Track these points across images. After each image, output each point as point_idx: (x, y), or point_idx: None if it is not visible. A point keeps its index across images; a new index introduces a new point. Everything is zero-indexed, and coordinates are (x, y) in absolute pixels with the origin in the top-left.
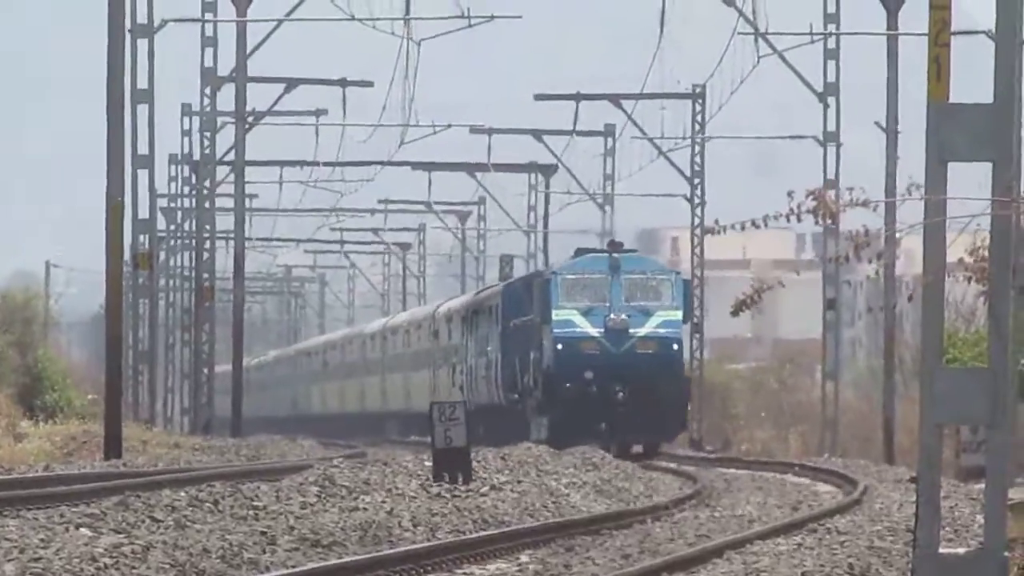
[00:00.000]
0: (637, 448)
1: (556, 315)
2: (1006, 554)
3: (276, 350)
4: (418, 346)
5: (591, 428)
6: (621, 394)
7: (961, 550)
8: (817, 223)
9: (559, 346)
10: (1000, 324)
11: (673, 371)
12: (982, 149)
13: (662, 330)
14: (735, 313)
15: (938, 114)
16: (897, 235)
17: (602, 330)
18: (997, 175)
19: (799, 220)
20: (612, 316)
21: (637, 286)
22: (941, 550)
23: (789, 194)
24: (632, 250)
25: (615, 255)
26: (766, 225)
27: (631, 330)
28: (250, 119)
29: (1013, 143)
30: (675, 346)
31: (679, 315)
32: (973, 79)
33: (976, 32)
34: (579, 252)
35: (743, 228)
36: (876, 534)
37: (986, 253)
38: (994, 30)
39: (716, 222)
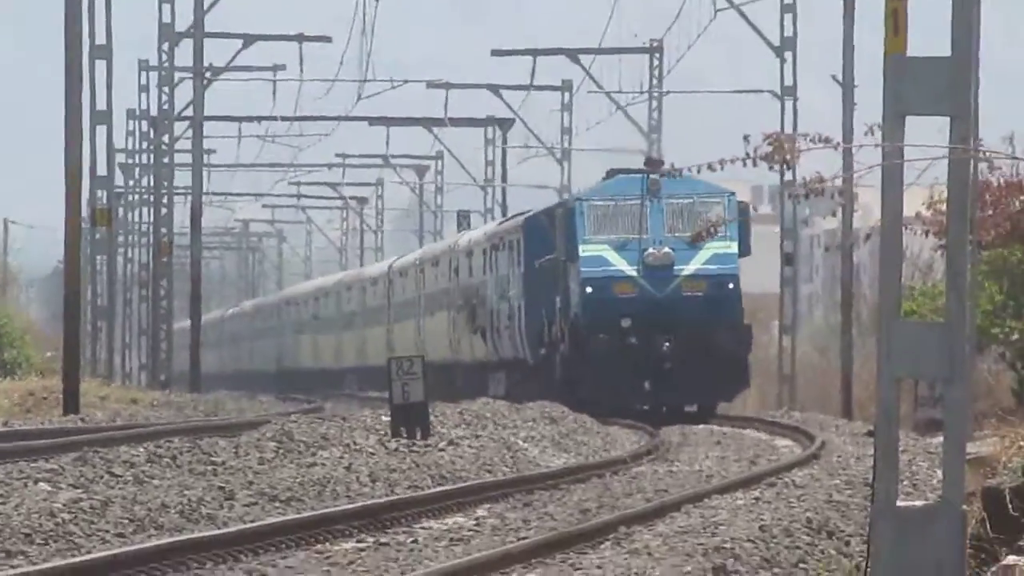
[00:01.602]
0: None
1: (583, 251)
2: (964, 507)
3: (254, 299)
4: (434, 287)
5: (631, 388)
6: (666, 346)
7: (919, 503)
8: (771, 168)
9: (588, 289)
10: (957, 277)
11: (729, 316)
12: (940, 103)
13: (714, 266)
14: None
15: (895, 68)
16: (855, 176)
17: (640, 268)
18: (955, 129)
19: (755, 164)
20: (652, 250)
21: (682, 213)
22: (899, 503)
23: (745, 138)
24: (679, 170)
25: (653, 175)
26: (722, 167)
27: (676, 267)
28: (208, 75)
29: (971, 96)
30: (731, 285)
31: (734, 247)
32: (929, 32)
33: None
34: (611, 174)
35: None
36: (834, 488)
37: (943, 207)
38: None
39: (672, 165)
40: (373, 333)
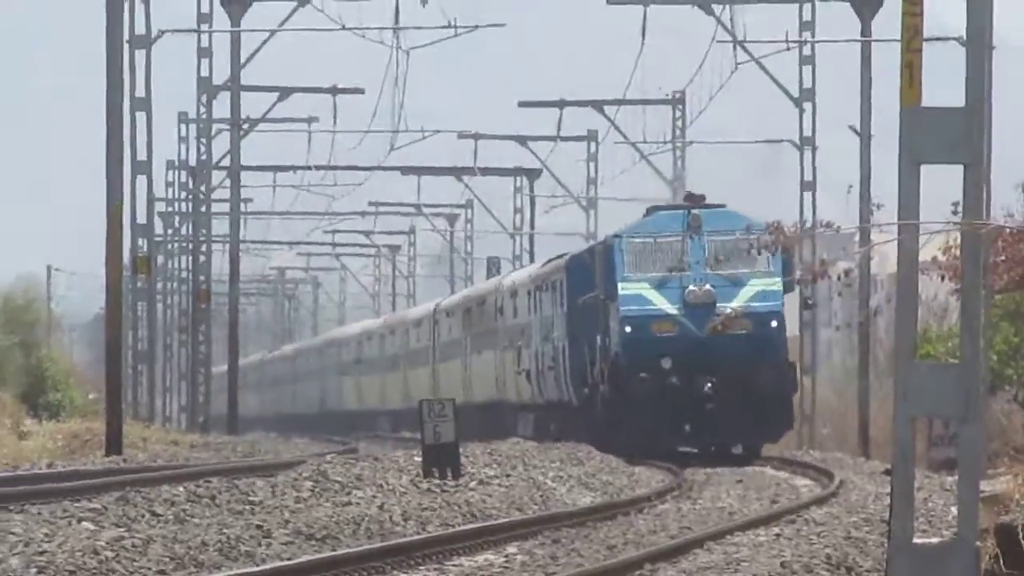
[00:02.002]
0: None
1: (623, 289)
2: (978, 544)
3: (296, 343)
4: (480, 327)
5: (672, 430)
6: (708, 386)
7: (935, 540)
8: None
9: (627, 328)
10: (971, 320)
11: (773, 355)
12: (954, 152)
13: (757, 303)
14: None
15: (911, 118)
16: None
17: (681, 306)
18: (969, 177)
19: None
20: (693, 288)
21: (724, 249)
22: (915, 540)
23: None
24: (718, 205)
25: (695, 211)
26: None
27: (718, 305)
28: (245, 126)
29: (984, 146)
30: (774, 323)
31: (778, 284)
32: (943, 83)
33: (947, 38)
34: (651, 211)
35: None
36: (852, 525)
37: (958, 252)
38: (965, 36)
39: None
40: (417, 374)
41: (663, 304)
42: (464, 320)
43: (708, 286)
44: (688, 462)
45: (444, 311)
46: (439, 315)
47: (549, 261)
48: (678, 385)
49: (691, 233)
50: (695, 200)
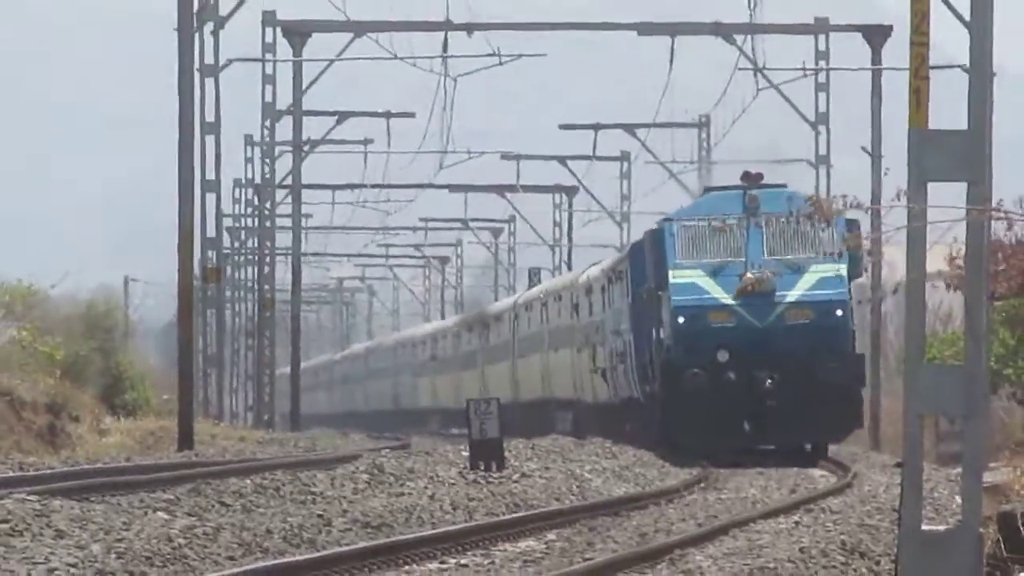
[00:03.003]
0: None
1: (674, 277)
2: (981, 530)
3: (367, 342)
4: (558, 322)
5: (730, 429)
6: (769, 381)
7: (941, 527)
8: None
9: (680, 319)
10: (975, 326)
11: (839, 346)
12: (958, 170)
13: (821, 291)
14: (736, 296)
15: (919, 139)
16: (884, 236)
17: (737, 295)
18: (972, 194)
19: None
20: (750, 275)
21: (783, 232)
22: (924, 527)
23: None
24: (778, 185)
25: (752, 191)
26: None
27: (778, 293)
28: (305, 148)
29: (986, 165)
30: (839, 312)
31: (843, 269)
32: (947, 107)
33: (952, 66)
34: (707, 192)
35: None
36: (865, 513)
37: (962, 262)
38: (968, 65)
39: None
40: (496, 370)
41: (718, 293)
42: (543, 316)
43: (767, 273)
44: (770, 462)
45: (523, 306)
46: (519, 310)
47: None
48: (735, 380)
49: (748, 215)
50: (752, 179)
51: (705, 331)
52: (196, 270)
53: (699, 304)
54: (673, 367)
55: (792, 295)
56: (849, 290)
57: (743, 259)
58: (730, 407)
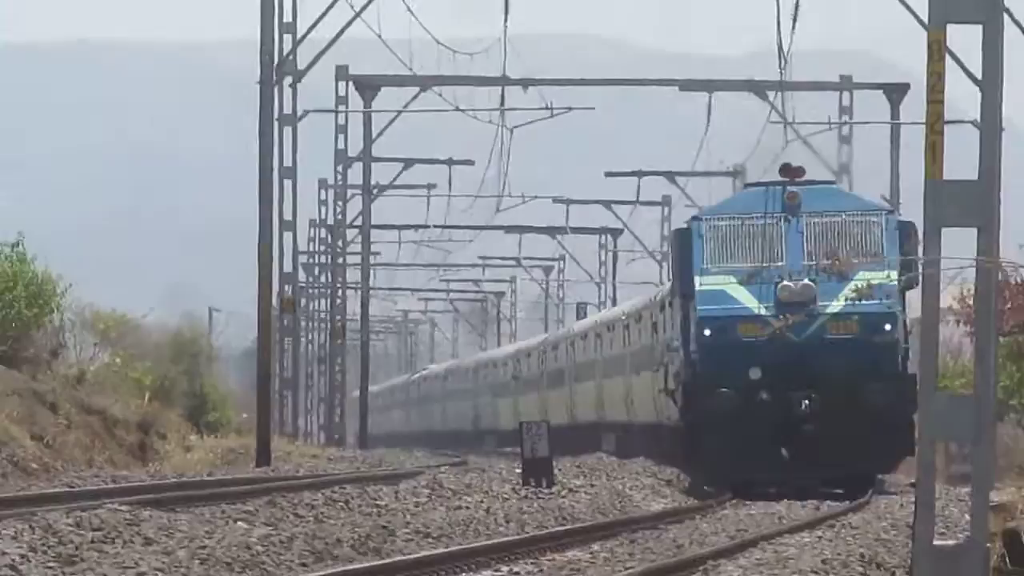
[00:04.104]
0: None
1: (701, 284)
2: (988, 545)
3: (446, 362)
4: (638, 343)
5: (763, 457)
6: (806, 403)
7: (951, 542)
8: (829, 280)
9: (706, 331)
10: (983, 359)
11: (887, 365)
12: (970, 217)
13: (868, 302)
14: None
15: (934, 189)
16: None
17: (773, 305)
18: (982, 238)
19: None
20: (788, 282)
21: (826, 234)
22: (935, 542)
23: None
24: (826, 181)
25: (792, 188)
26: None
27: (819, 303)
28: (374, 191)
29: (995, 212)
30: (888, 326)
31: (894, 277)
32: (959, 159)
33: (964, 121)
34: (747, 188)
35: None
36: (882, 529)
37: (971, 302)
38: (979, 120)
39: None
40: (583, 388)
41: (750, 302)
42: (624, 336)
43: (806, 280)
44: (812, 494)
45: (605, 326)
46: (600, 330)
47: None
48: (769, 401)
49: (787, 214)
50: (792, 174)
51: (735, 345)
52: (274, 302)
53: (728, 315)
54: (699, 386)
55: (835, 306)
56: (902, 302)
57: (780, 264)
58: (763, 432)
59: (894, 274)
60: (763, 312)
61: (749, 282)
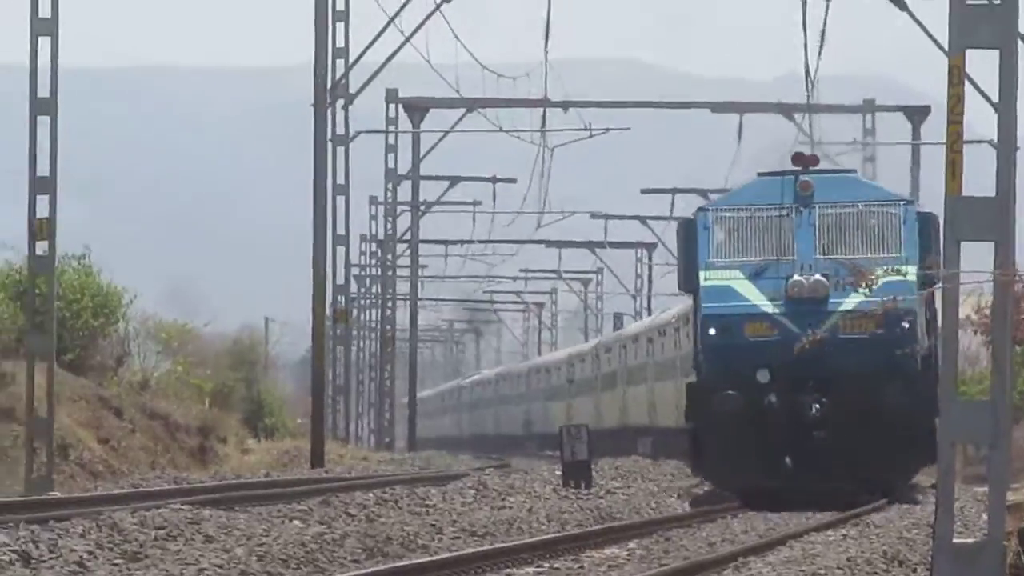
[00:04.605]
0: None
1: (706, 280)
2: (1004, 543)
3: (500, 367)
4: (688, 346)
5: (770, 464)
6: (817, 407)
7: (970, 540)
8: (855, 292)
9: (710, 330)
10: (1000, 366)
11: (905, 366)
12: (987, 232)
13: (884, 298)
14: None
15: (953, 205)
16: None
17: (782, 302)
18: (999, 252)
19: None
20: (799, 277)
21: (841, 226)
22: (954, 540)
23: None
24: (844, 170)
25: (804, 177)
26: None
27: (831, 300)
28: (422, 208)
29: (1011, 227)
30: (906, 324)
31: (913, 272)
32: (976, 177)
33: (981, 141)
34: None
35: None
36: (904, 528)
37: (988, 312)
38: (996, 140)
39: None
40: (635, 392)
41: (758, 299)
42: (675, 340)
43: (818, 276)
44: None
45: (657, 330)
46: (652, 334)
47: None
48: (778, 405)
49: (799, 205)
50: (806, 162)
51: (741, 345)
52: (327, 312)
53: (734, 312)
54: (702, 388)
55: (849, 302)
56: (923, 299)
57: (791, 258)
58: (771, 438)
59: (913, 269)
60: (772, 310)
61: (757, 277)
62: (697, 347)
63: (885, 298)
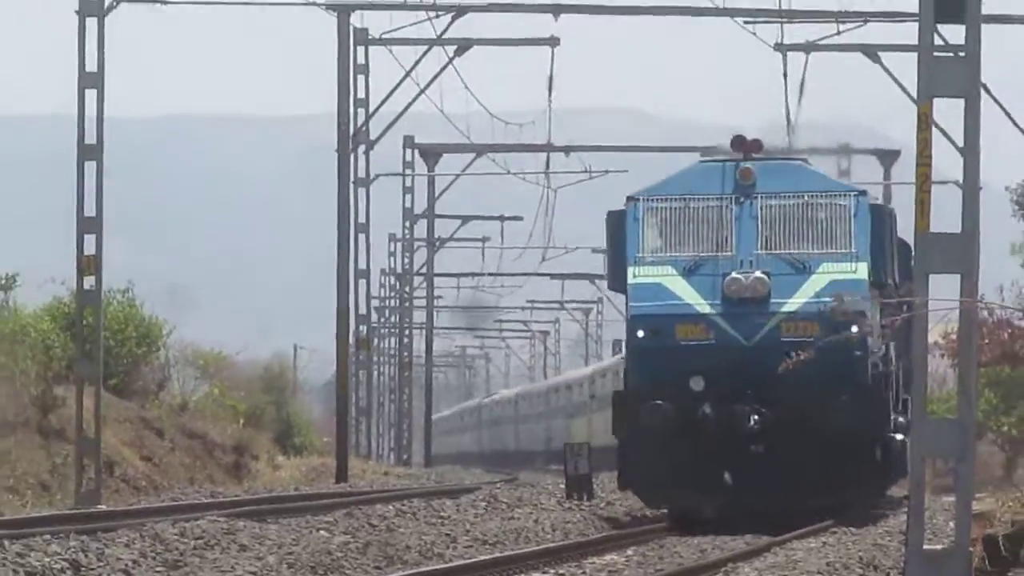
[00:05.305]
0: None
1: (634, 277)
2: (970, 549)
3: (520, 386)
4: None
5: (704, 482)
6: (754, 419)
7: (939, 547)
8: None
9: (639, 332)
10: (966, 387)
11: (853, 375)
12: (954, 265)
13: (830, 300)
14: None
15: (923, 240)
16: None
17: (719, 302)
18: (964, 283)
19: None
20: (737, 275)
21: (785, 218)
22: (925, 547)
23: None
24: (791, 157)
25: (745, 164)
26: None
27: (772, 300)
28: (436, 244)
29: (975, 261)
30: (855, 328)
31: (863, 270)
32: (943, 214)
33: (947, 182)
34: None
35: None
36: (879, 535)
37: (955, 337)
38: (961, 181)
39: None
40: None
41: (692, 298)
42: None
43: (759, 273)
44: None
45: None
46: None
47: None
48: (713, 416)
49: (739, 195)
50: (747, 148)
51: (672, 349)
52: (351, 340)
53: (665, 313)
54: (629, 397)
55: (792, 304)
56: (871, 299)
57: (730, 253)
58: (704, 452)
59: (864, 266)
60: (708, 311)
61: (691, 274)
62: (625, 351)
63: (833, 298)
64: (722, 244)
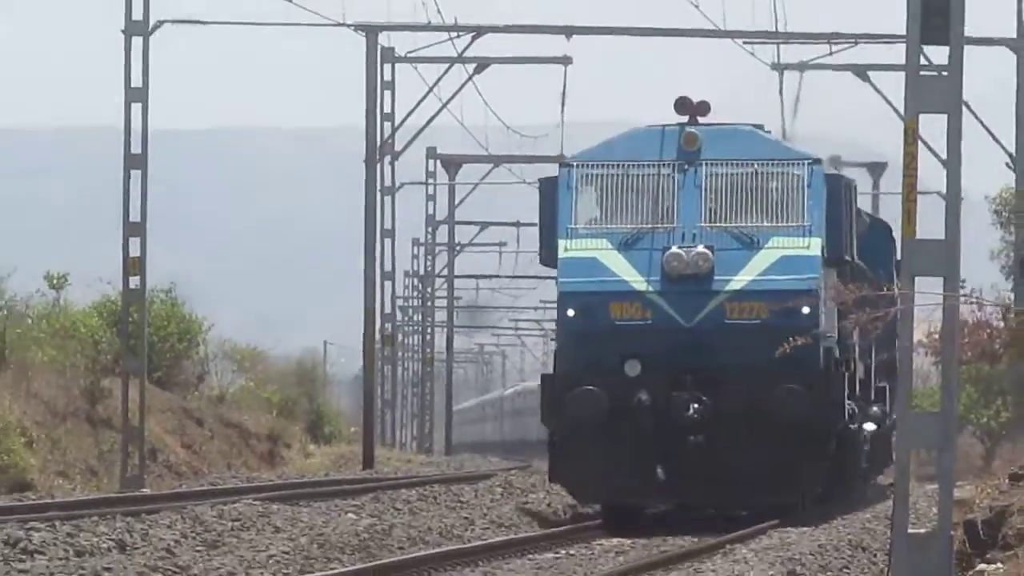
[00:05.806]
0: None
1: (566, 251)
2: (952, 533)
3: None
4: None
5: (638, 476)
6: (693, 408)
7: (923, 531)
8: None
9: (569, 311)
10: (948, 383)
11: (803, 359)
12: (938, 268)
13: (780, 276)
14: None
15: (910, 246)
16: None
17: (658, 279)
18: (947, 283)
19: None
20: (678, 250)
21: (732, 188)
22: (910, 530)
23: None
24: (741, 123)
25: (690, 129)
26: None
27: (716, 278)
28: (457, 248)
29: (958, 264)
30: (806, 309)
31: (816, 246)
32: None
33: (931, 192)
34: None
35: None
36: (866, 520)
37: (937, 336)
38: (944, 191)
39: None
40: None
41: (628, 274)
42: None
43: (702, 248)
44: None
45: None
46: None
47: None
48: (649, 404)
49: (683, 162)
50: (692, 110)
51: (606, 330)
52: (377, 337)
53: (598, 290)
54: (559, 381)
55: (737, 281)
56: (822, 277)
57: (671, 226)
58: (639, 443)
59: (818, 241)
60: (645, 288)
61: (628, 247)
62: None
63: (782, 276)
64: (663, 216)
